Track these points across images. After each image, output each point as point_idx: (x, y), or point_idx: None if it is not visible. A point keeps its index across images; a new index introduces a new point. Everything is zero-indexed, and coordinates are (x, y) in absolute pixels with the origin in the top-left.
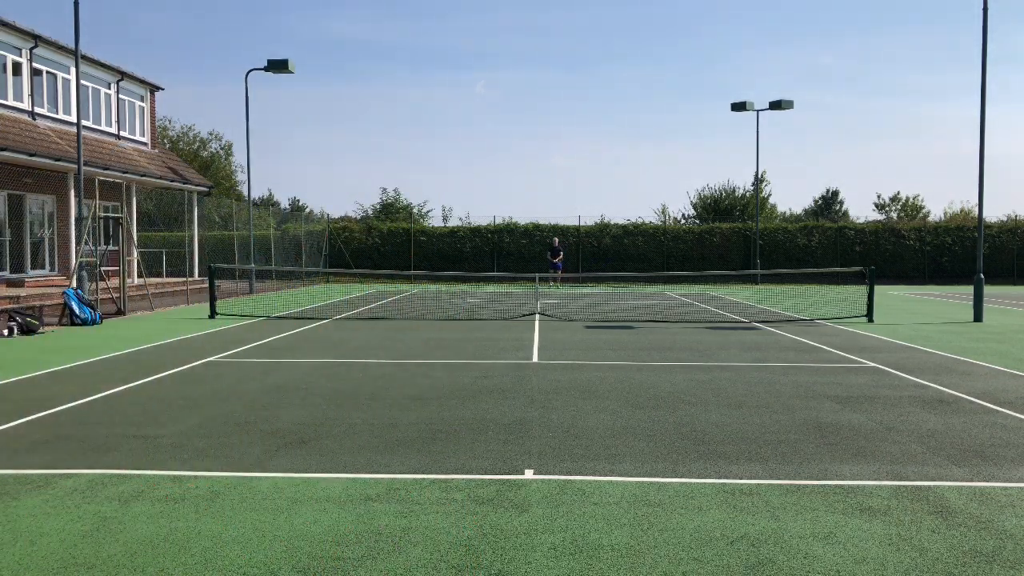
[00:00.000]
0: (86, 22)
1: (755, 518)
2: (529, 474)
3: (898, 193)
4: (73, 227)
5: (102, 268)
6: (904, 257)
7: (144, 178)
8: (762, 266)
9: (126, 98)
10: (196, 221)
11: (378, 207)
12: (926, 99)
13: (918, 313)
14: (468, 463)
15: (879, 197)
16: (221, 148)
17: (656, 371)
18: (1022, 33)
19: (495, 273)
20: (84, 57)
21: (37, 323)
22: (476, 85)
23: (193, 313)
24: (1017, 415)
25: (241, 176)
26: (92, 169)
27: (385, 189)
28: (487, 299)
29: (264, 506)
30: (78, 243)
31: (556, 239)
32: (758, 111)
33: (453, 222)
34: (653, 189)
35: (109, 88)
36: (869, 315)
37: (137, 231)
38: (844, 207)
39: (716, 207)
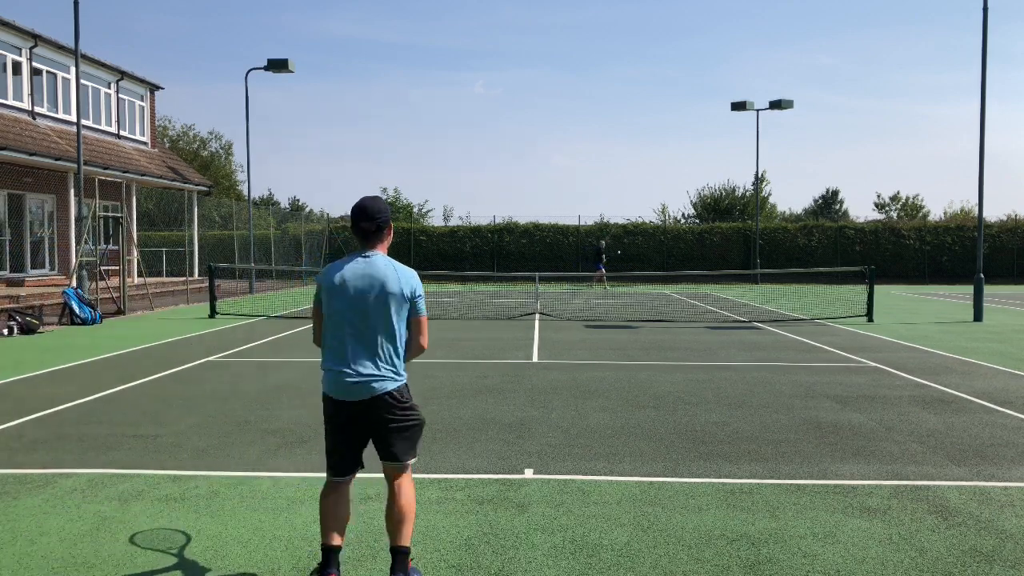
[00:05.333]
0: (86, 22)
1: (755, 518)
2: (529, 474)
3: (898, 193)
4: (73, 226)
5: (102, 268)
6: (904, 257)
7: (144, 178)
8: (762, 266)
9: (126, 97)
10: (196, 221)
11: None
12: (926, 99)
13: (918, 313)
14: (468, 463)
15: (879, 197)
16: (221, 148)
17: (656, 371)
18: (1022, 33)
19: (495, 273)
20: (84, 57)
21: (37, 323)
22: (475, 85)
23: (193, 313)
24: (1017, 415)
25: (241, 176)
26: (92, 169)
27: (385, 189)
28: (487, 299)
29: (264, 506)
30: (78, 242)
31: (602, 242)
32: (758, 111)
33: (454, 222)
34: (653, 189)
35: (109, 88)
36: (869, 315)
37: (137, 231)
38: (844, 207)
39: (716, 207)
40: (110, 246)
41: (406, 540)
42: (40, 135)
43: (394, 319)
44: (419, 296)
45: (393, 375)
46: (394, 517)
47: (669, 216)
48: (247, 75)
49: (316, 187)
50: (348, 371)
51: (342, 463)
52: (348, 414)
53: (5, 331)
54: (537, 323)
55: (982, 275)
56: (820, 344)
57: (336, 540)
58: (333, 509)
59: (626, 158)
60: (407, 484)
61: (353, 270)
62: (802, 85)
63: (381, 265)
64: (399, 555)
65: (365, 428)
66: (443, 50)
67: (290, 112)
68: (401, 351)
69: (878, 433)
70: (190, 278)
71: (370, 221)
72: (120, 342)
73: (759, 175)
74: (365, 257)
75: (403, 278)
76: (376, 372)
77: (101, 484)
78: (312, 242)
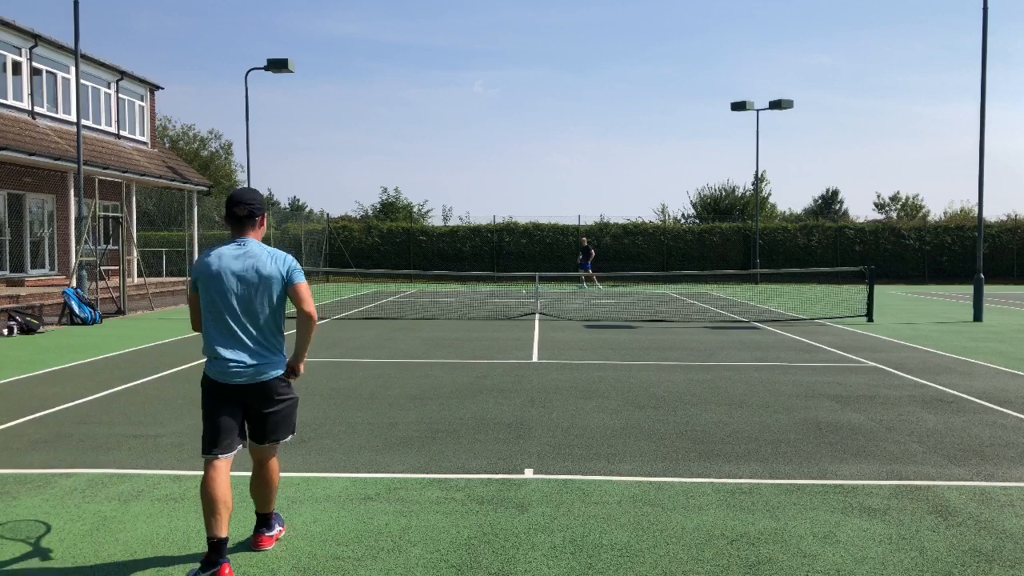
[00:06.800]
0: (86, 22)
1: (755, 518)
2: (529, 474)
3: (898, 193)
4: (73, 226)
5: (102, 267)
6: (904, 257)
7: (144, 177)
8: (762, 266)
9: (126, 97)
10: (196, 220)
11: (378, 207)
12: (926, 99)
13: (918, 313)
14: (468, 463)
15: (879, 197)
16: (221, 147)
17: (656, 371)
18: (1022, 33)
19: (495, 273)
20: (84, 56)
21: (37, 322)
22: (475, 84)
23: None
24: (1017, 415)
25: (241, 175)
26: (92, 168)
27: (385, 189)
28: (487, 298)
29: None
30: (78, 242)
31: (584, 239)
32: (758, 111)
33: (453, 222)
34: (653, 189)
35: (109, 87)
36: (869, 315)
37: (137, 230)
38: (844, 207)
39: (716, 207)
40: (110, 246)
41: (273, 506)
42: (40, 135)
43: (273, 302)
44: (295, 269)
45: (276, 360)
46: (264, 488)
47: (669, 216)
48: (247, 75)
49: (316, 187)
50: (233, 359)
51: (227, 438)
52: (232, 394)
53: (5, 331)
54: (537, 323)
55: (982, 275)
56: (820, 344)
57: (225, 531)
58: (220, 495)
59: (626, 158)
60: (275, 459)
61: (229, 257)
62: (802, 85)
63: (256, 250)
64: (266, 517)
65: (244, 409)
66: (443, 50)
67: (290, 112)
68: (281, 334)
69: (878, 433)
70: (190, 278)
71: (242, 206)
72: (120, 342)
73: (759, 175)
74: (239, 244)
75: (277, 259)
76: (261, 358)
77: (101, 484)
78: (312, 242)
